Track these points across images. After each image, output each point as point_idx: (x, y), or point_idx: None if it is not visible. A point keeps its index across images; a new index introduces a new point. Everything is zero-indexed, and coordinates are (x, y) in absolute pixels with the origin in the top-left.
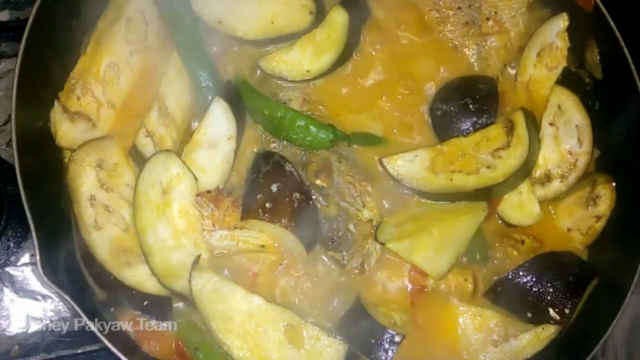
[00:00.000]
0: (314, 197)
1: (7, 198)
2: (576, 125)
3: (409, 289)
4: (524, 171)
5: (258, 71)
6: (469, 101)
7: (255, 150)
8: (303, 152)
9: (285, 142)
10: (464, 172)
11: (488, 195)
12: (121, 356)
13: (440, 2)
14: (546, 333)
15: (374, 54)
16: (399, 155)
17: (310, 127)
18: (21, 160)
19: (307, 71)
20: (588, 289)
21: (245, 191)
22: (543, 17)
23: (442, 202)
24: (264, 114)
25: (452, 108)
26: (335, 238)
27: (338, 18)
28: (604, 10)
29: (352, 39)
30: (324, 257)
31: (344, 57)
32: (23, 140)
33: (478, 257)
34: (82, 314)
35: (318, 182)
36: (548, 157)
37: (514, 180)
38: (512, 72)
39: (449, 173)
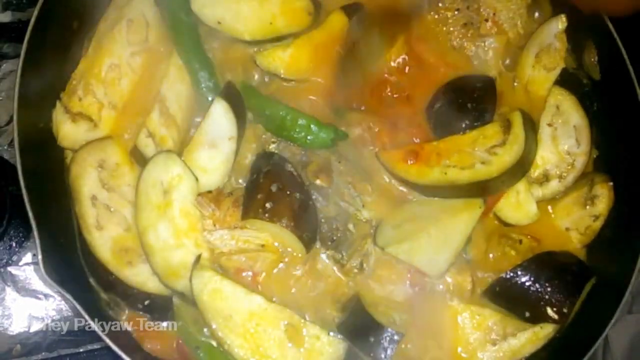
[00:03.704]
0: (313, 197)
1: (9, 198)
2: (574, 126)
3: (408, 288)
4: (520, 169)
5: (258, 71)
6: (467, 100)
7: (256, 150)
8: (303, 152)
9: (285, 142)
10: (459, 167)
11: (483, 190)
12: (123, 355)
13: (439, 4)
14: (544, 332)
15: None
16: (393, 150)
17: (312, 126)
18: (23, 160)
19: (303, 71)
20: (586, 288)
21: (246, 191)
22: (541, 19)
23: (438, 199)
24: (266, 113)
25: (450, 107)
26: (335, 238)
27: (338, 22)
28: None
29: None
30: (323, 256)
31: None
32: (25, 141)
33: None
34: (83, 313)
35: (318, 182)
36: (546, 157)
37: (510, 178)
38: (511, 73)
39: (443, 167)
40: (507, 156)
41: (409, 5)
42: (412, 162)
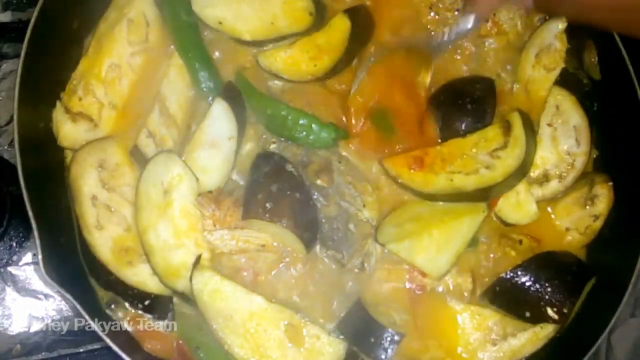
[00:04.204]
0: (314, 197)
1: (10, 198)
2: (574, 126)
3: (408, 289)
4: (521, 171)
5: (260, 71)
6: (467, 101)
7: (256, 150)
8: (303, 152)
9: (285, 142)
10: (464, 173)
11: (487, 195)
12: (123, 355)
13: (439, 4)
14: (544, 332)
15: (373, 55)
16: (397, 156)
17: (313, 125)
18: (23, 160)
19: (305, 72)
20: (586, 288)
21: (246, 191)
22: (541, 19)
23: (442, 203)
24: (267, 113)
25: (449, 108)
26: (335, 237)
27: (340, 25)
28: None
29: (353, 44)
30: (324, 256)
31: (343, 62)
32: (25, 141)
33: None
34: (83, 313)
35: (318, 182)
36: (546, 158)
37: (512, 180)
38: (511, 73)
39: (449, 174)
40: (510, 159)
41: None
42: (416, 169)
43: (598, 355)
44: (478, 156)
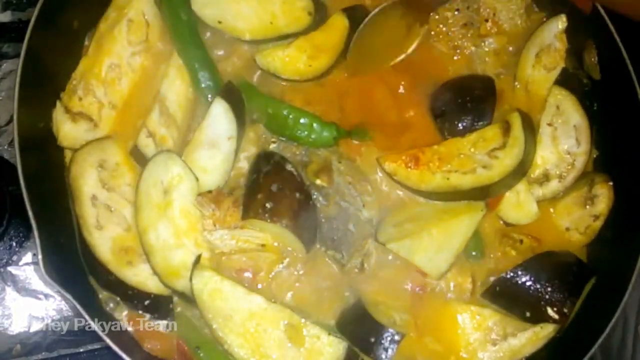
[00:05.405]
0: (314, 196)
1: (10, 198)
2: (574, 126)
3: (408, 288)
4: (520, 171)
5: (258, 71)
6: (467, 100)
7: (256, 150)
8: (303, 152)
9: (285, 142)
10: (461, 172)
11: (485, 194)
12: (123, 355)
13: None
14: (544, 332)
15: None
16: (393, 154)
17: (314, 124)
18: (23, 160)
19: (302, 71)
20: (586, 288)
21: (246, 191)
22: (541, 19)
23: (441, 202)
24: (268, 112)
25: (449, 107)
26: (335, 237)
27: (338, 24)
28: (602, 11)
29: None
30: (324, 256)
31: (342, 60)
32: (25, 141)
33: (475, 254)
34: (83, 313)
35: (318, 182)
36: (546, 157)
37: (510, 180)
38: (511, 72)
39: (445, 172)
40: (508, 159)
41: None
42: (412, 167)
43: (625, 345)
44: (476, 156)
